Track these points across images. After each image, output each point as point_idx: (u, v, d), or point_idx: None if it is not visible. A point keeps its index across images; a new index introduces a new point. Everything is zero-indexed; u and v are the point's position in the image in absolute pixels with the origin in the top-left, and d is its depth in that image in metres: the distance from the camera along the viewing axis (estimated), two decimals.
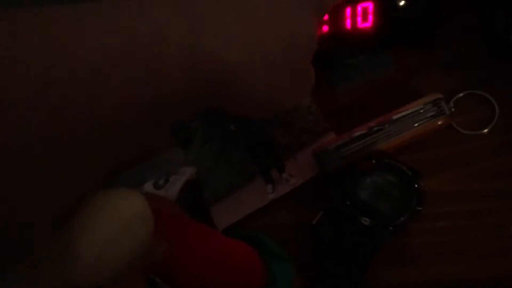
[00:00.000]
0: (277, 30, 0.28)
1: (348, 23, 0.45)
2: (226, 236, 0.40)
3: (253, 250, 0.39)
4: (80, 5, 0.24)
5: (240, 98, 0.29)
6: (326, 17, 0.44)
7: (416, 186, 0.41)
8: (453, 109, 0.44)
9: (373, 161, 0.42)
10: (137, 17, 0.25)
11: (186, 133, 0.52)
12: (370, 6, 0.44)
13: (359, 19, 0.44)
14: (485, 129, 0.44)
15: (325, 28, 0.45)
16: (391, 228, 0.40)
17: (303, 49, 0.30)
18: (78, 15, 0.23)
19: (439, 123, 0.43)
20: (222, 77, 0.27)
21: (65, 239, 0.23)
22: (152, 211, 0.37)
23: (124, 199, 0.24)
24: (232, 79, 0.27)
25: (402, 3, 0.45)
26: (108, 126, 0.24)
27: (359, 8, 0.44)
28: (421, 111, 0.43)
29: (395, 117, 0.43)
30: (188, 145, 0.51)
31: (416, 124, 0.43)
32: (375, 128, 0.44)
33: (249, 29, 0.27)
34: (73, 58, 0.22)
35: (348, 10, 0.44)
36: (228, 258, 0.38)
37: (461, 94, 0.45)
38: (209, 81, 0.27)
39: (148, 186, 0.48)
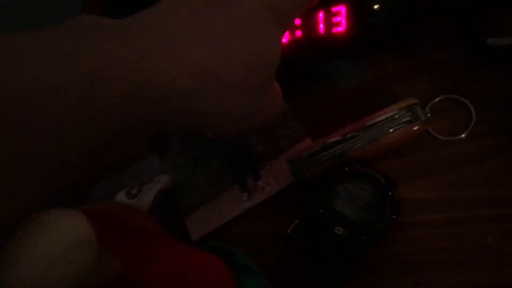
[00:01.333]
0: (235, 52, 0.27)
1: (321, 28, 0.44)
2: (196, 248, 0.39)
3: (223, 263, 0.38)
4: (18, 33, 0.23)
5: (198, 120, 0.28)
6: (298, 22, 0.43)
7: (390, 194, 0.40)
8: (429, 115, 0.43)
9: (347, 169, 0.41)
10: (79, 45, 0.24)
11: (162, 141, 0.51)
12: (343, 10, 0.43)
13: (332, 23, 0.43)
14: (462, 134, 0.43)
15: (298, 33, 0.44)
16: (364, 237, 0.39)
17: (265, 67, 0.29)
18: (13, 43, 0.22)
19: (415, 128, 0.42)
20: (173, 104, 0.26)
21: None
22: (117, 223, 0.37)
23: (63, 224, 0.23)
24: (185, 105, 0.26)
25: (376, 7, 0.44)
26: (44, 155, 0.23)
27: (331, 12, 0.43)
28: (396, 116, 0.42)
29: (368, 123, 0.42)
30: (164, 153, 0.50)
31: (391, 130, 0.42)
32: (349, 135, 0.43)
33: (202, 55, 0.26)
34: (4, 86, 0.21)
35: (321, 14, 0.43)
36: (197, 271, 0.37)
37: (437, 99, 0.44)
38: (159, 107, 0.26)
39: (121, 196, 0.47)
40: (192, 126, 0.29)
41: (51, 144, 0.23)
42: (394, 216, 0.40)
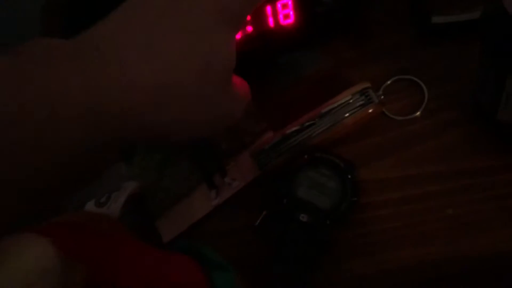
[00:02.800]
0: (188, 61, 0.27)
1: (270, 22, 0.44)
2: (167, 250, 0.39)
3: (193, 262, 0.39)
4: None
5: (160, 133, 0.29)
6: (248, 17, 0.44)
7: (349, 177, 0.41)
8: (382, 97, 0.45)
9: (306, 156, 0.42)
10: (33, 74, 0.24)
11: (127, 147, 0.51)
12: (290, 2, 0.44)
13: (280, 16, 0.44)
14: (416, 113, 0.44)
15: (249, 29, 0.45)
16: (328, 222, 0.40)
17: (220, 72, 0.29)
18: None
19: (369, 111, 0.43)
20: (132, 122, 0.26)
21: None
22: (86, 232, 0.37)
23: (27, 254, 0.22)
24: (143, 121, 0.27)
25: None
26: (8, 181, 0.23)
27: (278, 5, 0.44)
28: (350, 101, 0.43)
29: (324, 110, 0.43)
30: (131, 159, 0.50)
31: (346, 115, 0.43)
32: (307, 124, 0.43)
33: (155, 69, 0.26)
34: None
35: (269, 8, 0.44)
36: (168, 273, 0.37)
37: (390, 81, 0.46)
38: (119, 127, 0.26)
39: (90, 205, 0.47)
40: (154, 139, 0.30)
41: (14, 172, 0.23)
42: (355, 198, 0.41)
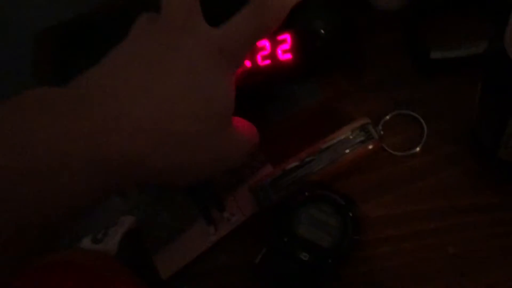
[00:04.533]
0: (186, 104, 0.27)
1: (269, 58, 0.44)
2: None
3: None
4: None
5: (160, 176, 0.28)
6: None
7: (350, 214, 0.41)
8: (382, 132, 0.44)
9: (306, 194, 0.42)
10: (33, 125, 0.24)
11: None
12: (289, 38, 0.44)
13: (279, 51, 0.44)
14: (415, 148, 0.44)
15: (247, 64, 0.45)
16: (330, 260, 0.40)
17: (219, 113, 0.29)
18: None
19: (370, 147, 0.43)
20: (133, 167, 0.26)
21: None
22: (83, 274, 0.36)
23: None
24: (144, 165, 0.26)
25: (322, 31, 0.45)
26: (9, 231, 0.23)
27: (278, 40, 0.44)
28: (350, 137, 0.43)
29: (323, 146, 0.43)
30: (126, 193, 0.50)
31: (346, 151, 0.43)
32: (307, 159, 0.43)
33: (154, 114, 0.26)
34: None
35: (267, 44, 0.44)
36: None
37: (388, 116, 0.45)
38: (121, 173, 0.26)
39: (86, 242, 0.47)
40: (153, 182, 0.29)
41: (15, 224, 0.23)
42: (357, 237, 0.40)
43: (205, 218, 0.47)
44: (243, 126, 0.33)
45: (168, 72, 0.27)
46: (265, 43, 0.44)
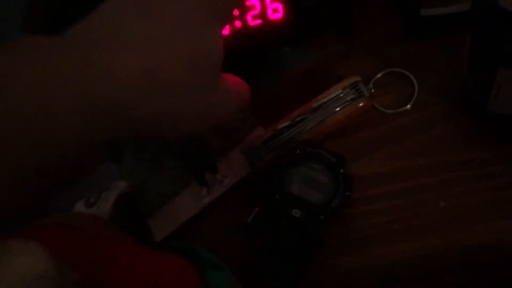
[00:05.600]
0: (175, 53, 0.27)
1: (259, 16, 0.44)
2: (159, 249, 0.39)
3: (187, 262, 0.38)
4: None
5: (149, 126, 0.28)
6: (236, 12, 0.44)
7: (341, 171, 0.41)
8: (372, 90, 0.44)
9: (298, 152, 0.42)
10: (18, 67, 0.24)
11: (116, 146, 0.50)
12: None
13: (269, 10, 0.44)
14: (406, 106, 0.44)
15: (238, 24, 0.45)
16: (321, 217, 0.40)
17: (207, 64, 0.29)
18: None
19: (360, 105, 0.43)
20: (121, 114, 0.26)
21: None
22: (77, 234, 0.36)
23: (23, 260, 0.22)
24: (133, 114, 0.26)
25: None
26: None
27: None
28: (341, 95, 0.43)
29: (314, 105, 0.43)
30: (120, 158, 0.50)
31: (337, 109, 0.43)
32: (298, 118, 0.43)
33: (142, 62, 0.26)
34: None
35: (257, 3, 0.43)
36: (161, 272, 0.37)
37: (380, 74, 0.45)
38: (109, 119, 0.26)
39: (80, 206, 0.47)
40: (144, 133, 0.29)
41: (4, 166, 0.23)
42: (348, 193, 0.41)
43: (198, 180, 0.47)
44: (234, 81, 0.33)
45: (157, 23, 0.27)
46: (255, 2, 0.43)
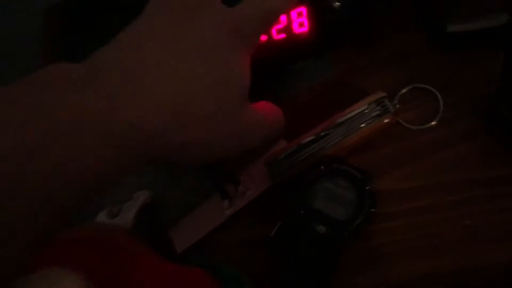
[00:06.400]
0: (203, 82, 0.27)
1: (284, 30, 0.44)
2: (180, 261, 0.39)
3: (208, 277, 0.38)
4: None
5: (179, 155, 0.28)
6: None
7: (367, 188, 0.41)
8: (398, 106, 0.44)
9: (322, 167, 0.42)
10: (52, 100, 0.24)
11: None
12: (304, 11, 0.43)
13: (294, 24, 0.44)
14: (432, 122, 0.44)
15: (263, 37, 0.44)
16: (346, 233, 0.40)
17: (235, 92, 0.29)
18: None
19: (385, 121, 0.43)
20: (151, 144, 0.26)
21: None
22: (100, 248, 0.36)
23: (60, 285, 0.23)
24: (162, 143, 0.27)
25: (337, 4, 0.44)
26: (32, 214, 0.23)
27: (293, 14, 0.43)
28: (366, 111, 0.43)
29: (339, 120, 0.43)
30: (141, 169, 0.50)
31: (362, 125, 0.43)
32: (322, 133, 0.43)
33: (171, 91, 0.26)
34: None
35: (283, 17, 0.43)
36: (184, 285, 0.37)
37: (404, 90, 0.45)
38: (139, 149, 0.26)
39: (102, 216, 0.47)
40: (174, 160, 0.29)
41: (37, 203, 0.23)
42: (373, 210, 0.40)
43: (220, 192, 0.47)
44: (266, 108, 0.33)
45: (183, 51, 0.27)
46: (281, 16, 0.43)
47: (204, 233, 0.46)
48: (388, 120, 0.43)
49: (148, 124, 0.26)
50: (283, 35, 0.44)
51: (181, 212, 0.47)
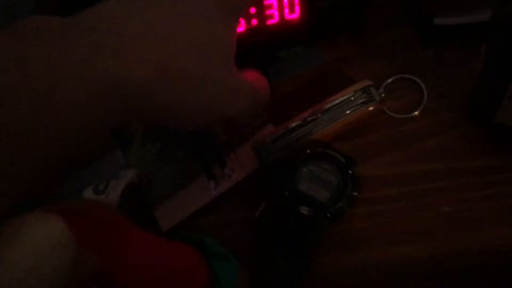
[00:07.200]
0: (189, 44, 0.28)
1: (276, 15, 0.45)
2: (169, 239, 0.40)
3: (196, 252, 0.39)
4: None
5: (161, 115, 0.29)
6: (253, 10, 0.44)
7: (350, 172, 0.42)
8: (383, 95, 0.45)
9: (308, 151, 0.43)
10: (30, 48, 0.24)
11: (125, 135, 0.51)
12: None
13: (286, 10, 0.45)
14: (415, 111, 0.45)
15: (254, 22, 0.45)
16: (328, 215, 0.41)
17: (220, 57, 0.29)
18: None
19: (370, 109, 0.44)
20: (131, 99, 0.26)
21: None
22: (89, 219, 0.37)
23: (41, 228, 0.22)
24: (144, 100, 0.27)
25: None
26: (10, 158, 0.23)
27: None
28: (352, 98, 0.44)
29: (327, 106, 0.44)
30: (128, 147, 0.50)
31: (348, 112, 0.44)
32: (309, 118, 0.44)
33: (156, 50, 0.26)
34: None
35: (275, 2, 0.44)
36: (171, 261, 0.38)
37: (390, 80, 0.46)
38: (119, 103, 0.26)
39: (88, 192, 0.47)
40: (156, 120, 0.30)
41: (14, 148, 0.23)
42: (355, 193, 0.42)
43: (206, 173, 0.48)
44: (253, 77, 0.34)
45: (171, 12, 0.28)
46: (272, 1, 0.44)
47: (189, 212, 0.47)
48: (373, 108, 0.44)
49: (131, 75, 0.25)
50: (274, 21, 0.45)
51: (167, 191, 0.48)
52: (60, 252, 0.23)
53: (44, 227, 0.23)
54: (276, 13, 0.44)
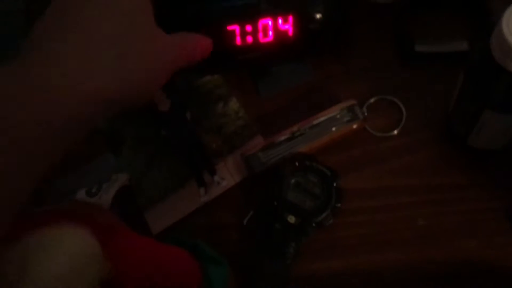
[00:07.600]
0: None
1: (270, 35, 0.47)
2: (162, 242, 0.41)
3: (188, 255, 0.41)
4: None
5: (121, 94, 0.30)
6: (249, 29, 0.47)
7: (335, 185, 0.45)
8: (365, 114, 0.49)
9: (297, 164, 0.46)
10: None
11: (117, 138, 0.52)
12: (290, 18, 0.47)
13: (280, 30, 0.47)
14: (394, 131, 0.49)
15: (249, 39, 0.48)
16: (314, 224, 0.44)
17: (140, 16, 0.32)
18: None
19: (354, 126, 0.48)
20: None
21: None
22: (97, 225, 0.38)
23: (75, 241, 0.24)
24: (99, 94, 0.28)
25: (319, 16, 0.48)
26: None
27: (279, 20, 0.47)
28: (338, 116, 0.47)
29: (315, 122, 0.47)
30: (120, 151, 0.52)
31: (333, 128, 0.47)
32: (298, 132, 0.47)
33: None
34: None
35: (270, 22, 0.47)
36: (164, 264, 0.39)
37: (372, 100, 0.50)
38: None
39: (81, 194, 0.49)
40: (121, 104, 0.31)
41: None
42: (339, 205, 0.45)
43: (197, 180, 0.50)
44: (186, 36, 0.36)
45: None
46: (268, 21, 0.47)
47: (179, 217, 0.49)
48: (357, 126, 0.48)
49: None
50: (269, 39, 0.48)
51: (157, 195, 0.50)
52: (90, 263, 0.25)
53: (79, 240, 0.24)
54: (271, 32, 0.47)
